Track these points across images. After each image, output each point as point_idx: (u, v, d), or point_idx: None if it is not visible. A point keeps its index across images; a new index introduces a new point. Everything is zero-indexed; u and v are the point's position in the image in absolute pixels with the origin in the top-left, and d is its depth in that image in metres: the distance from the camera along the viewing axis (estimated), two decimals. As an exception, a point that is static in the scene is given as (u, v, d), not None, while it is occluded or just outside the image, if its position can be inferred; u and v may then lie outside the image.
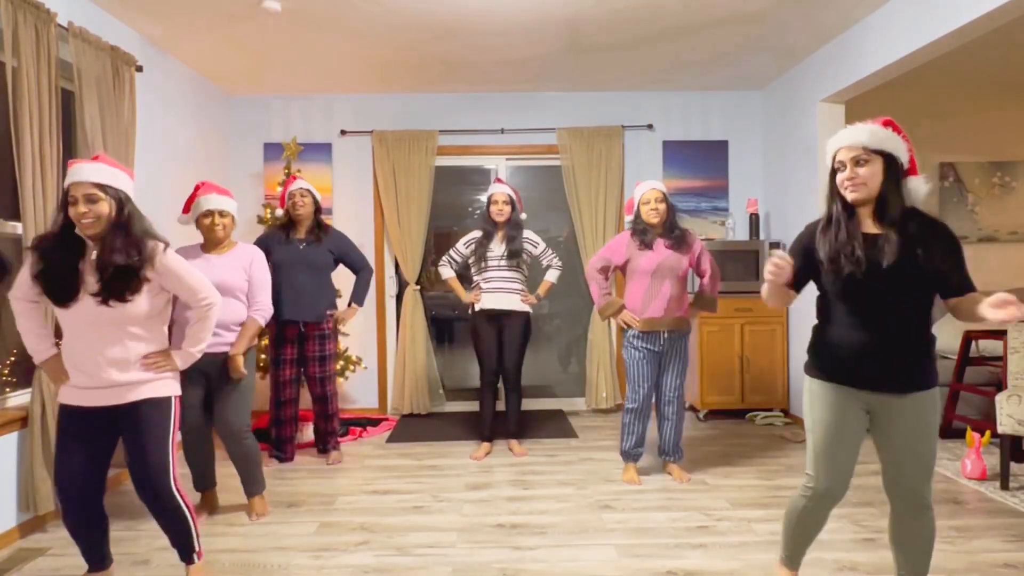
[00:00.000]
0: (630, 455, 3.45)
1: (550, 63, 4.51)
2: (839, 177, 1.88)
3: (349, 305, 3.87)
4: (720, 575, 2.43)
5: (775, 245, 4.78)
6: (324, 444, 3.96)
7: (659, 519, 2.96)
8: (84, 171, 2.02)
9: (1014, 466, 3.58)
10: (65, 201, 2.04)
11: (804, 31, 3.98)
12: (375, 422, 4.81)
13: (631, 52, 4.31)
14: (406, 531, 2.87)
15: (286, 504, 3.22)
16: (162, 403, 2.18)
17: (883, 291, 1.82)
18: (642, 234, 3.30)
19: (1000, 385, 4.05)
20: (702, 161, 5.24)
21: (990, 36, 3.85)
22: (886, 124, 1.86)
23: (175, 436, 2.22)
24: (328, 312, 3.80)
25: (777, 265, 1.82)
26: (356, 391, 5.17)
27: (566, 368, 5.52)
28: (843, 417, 1.92)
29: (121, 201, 2.09)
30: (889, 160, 1.83)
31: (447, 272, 3.98)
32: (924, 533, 1.94)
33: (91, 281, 2.04)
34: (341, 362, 4.64)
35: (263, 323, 2.98)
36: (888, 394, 1.87)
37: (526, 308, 3.90)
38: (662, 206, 3.26)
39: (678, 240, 3.29)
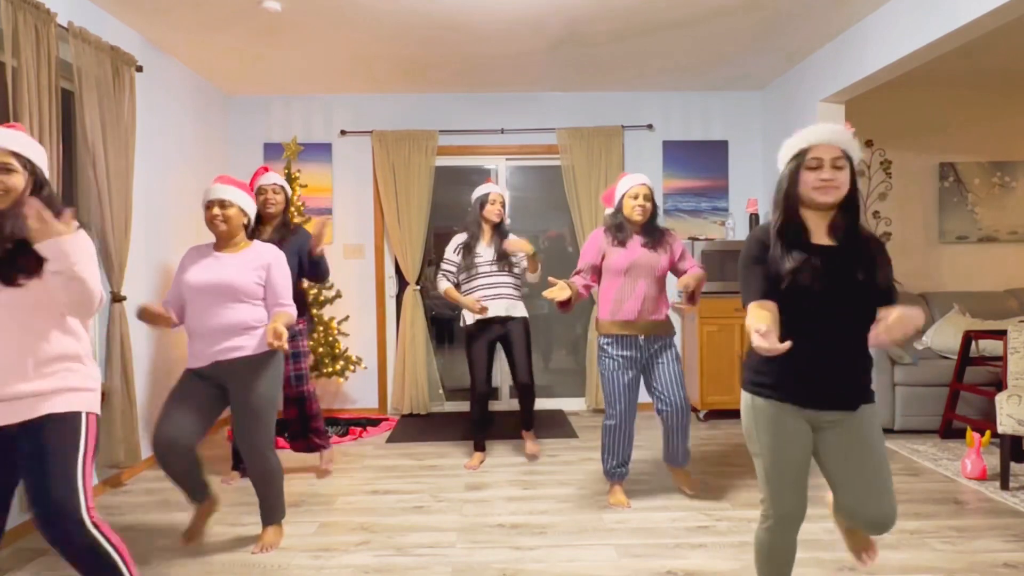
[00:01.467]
0: (614, 475, 3.14)
1: (550, 63, 4.51)
2: (809, 175, 1.73)
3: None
4: (720, 575, 2.43)
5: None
6: (310, 446, 3.69)
7: (659, 519, 2.96)
8: None
9: (1014, 466, 3.58)
10: None
11: (804, 31, 3.98)
12: (375, 422, 4.81)
13: (631, 52, 4.31)
14: (406, 531, 2.87)
15: (286, 504, 3.22)
16: (68, 419, 1.78)
17: (840, 305, 1.71)
18: (618, 230, 3.05)
19: (1000, 385, 4.04)
20: (702, 161, 5.24)
21: (990, 36, 3.85)
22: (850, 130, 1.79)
23: (90, 459, 1.82)
24: (299, 319, 3.51)
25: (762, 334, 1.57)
26: (356, 391, 5.17)
27: (566, 368, 5.52)
28: (791, 435, 1.78)
29: (39, 179, 1.81)
30: (852, 169, 1.76)
31: (445, 285, 3.72)
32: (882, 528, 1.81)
33: None
34: (341, 362, 4.64)
35: (293, 317, 2.63)
36: (833, 411, 1.77)
37: (524, 313, 3.78)
38: (649, 204, 3.03)
39: (655, 240, 3.05)
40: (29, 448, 1.75)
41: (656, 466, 3.68)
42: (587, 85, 5.05)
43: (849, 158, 1.75)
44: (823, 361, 1.74)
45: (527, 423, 3.97)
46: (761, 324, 1.56)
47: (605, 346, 3.06)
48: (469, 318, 3.72)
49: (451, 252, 3.77)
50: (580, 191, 5.04)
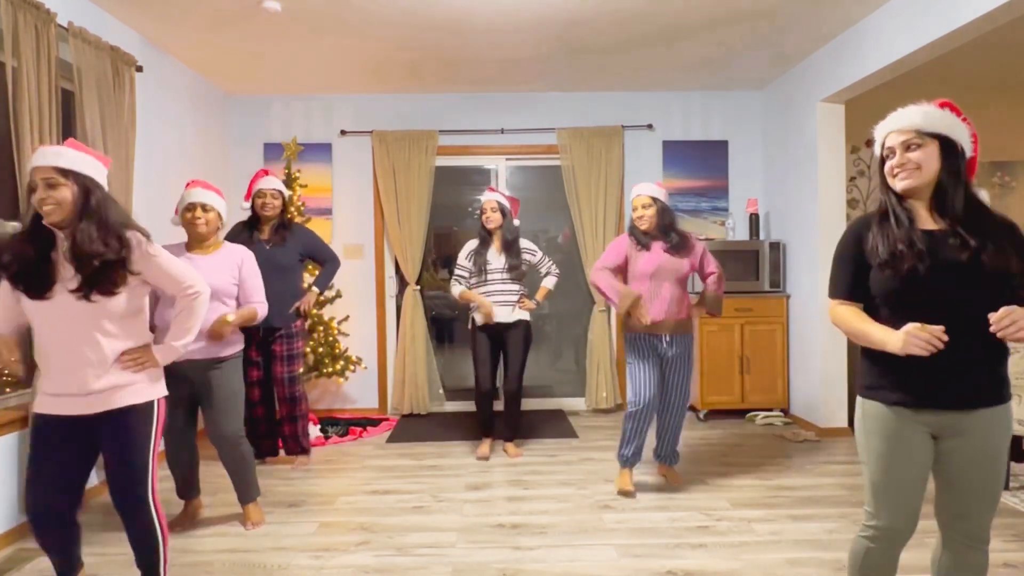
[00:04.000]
0: (628, 461, 3.29)
1: (550, 63, 4.51)
2: (888, 165, 1.67)
3: (309, 288, 3.78)
4: (720, 575, 2.43)
5: (775, 245, 4.78)
6: (294, 447, 3.82)
7: (659, 519, 2.96)
8: (45, 155, 1.89)
9: (1014, 466, 3.58)
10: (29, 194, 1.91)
11: (804, 31, 3.98)
12: (375, 422, 4.81)
13: (631, 52, 4.31)
14: (406, 531, 2.87)
15: (286, 504, 3.22)
16: (145, 409, 2.04)
17: (949, 292, 1.57)
18: (639, 235, 3.23)
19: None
20: (702, 161, 5.24)
21: (989, 36, 3.84)
22: (943, 106, 1.65)
23: (158, 444, 2.09)
24: (296, 319, 3.69)
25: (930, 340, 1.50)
26: (356, 391, 5.17)
27: (566, 368, 5.52)
28: (908, 443, 1.64)
29: (87, 188, 1.92)
30: (946, 145, 1.61)
31: (459, 289, 3.89)
32: (976, 572, 1.66)
33: (67, 274, 1.89)
34: (341, 362, 4.64)
35: (262, 315, 2.89)
36: (956, 412, 1.61)
37: (526, 316, 3.88)
38: (649, 212, 3.17)
39: (677, 244, 3.19)
40: (111, 433, 1.99)
41: (655, 466, 3.68)
42: (587, 85, 5.05)
43: (933, 134, 1.61)
44: (937, 355, 1.53)
45: (510, 434, 4.03)
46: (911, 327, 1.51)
47: (634, 340, 3.22)
48: (478, 319, 3.86)
49: (463, 258, 3.94)
50: (580, 191, 5.04)
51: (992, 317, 1.46)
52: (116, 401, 1.98)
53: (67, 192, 1.88)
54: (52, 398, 1.97)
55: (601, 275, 3.21)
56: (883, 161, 1.70)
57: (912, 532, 1.69)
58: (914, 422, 1.64)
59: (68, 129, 3.26)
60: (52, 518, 2.01)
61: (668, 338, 3.20)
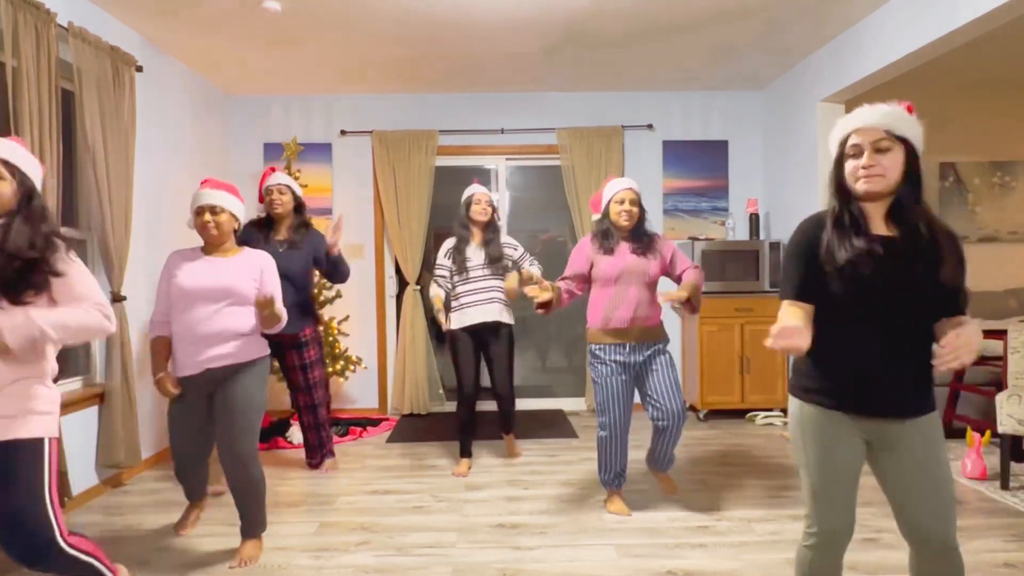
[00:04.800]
0: (610, 483, 3.06)
1: (550, 63, 4.51)
2: (851, 164, 1.59)
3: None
4: (720, 575, 2.43)
5: (775, 245, 4.78)
6: (317, 455, 3.71)
7: (659, 519, 2.96)
8: None
9: (1014, 466, 3.58)
10: None
11: (804, 31, 3.98)
12: (375, 422, 4.81)
13: (631, 51, 4.31)
14: (406, 531, 2.87)
15: (286, 504, 3.22)
16: (32, 446, 1.76)
17: (898, 302, 1.55)
18: (604, 237, 2.97)
19: (1000, 385, 4.05)
20: (702, 161, 5.24)
21: (989, 36, 3.85)
22: (910, 110, 1.60)
23: (54, 480, 1.80)
24: (305, 328, 3.46)
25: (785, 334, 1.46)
26: (356, 391, 5.17)
27: (566, 368, 5.51)
28: (842, 448, 1.64)
29: (29, 189, 1.79)
30: (910, 150, 1.57)
31: (434, 292, 3.66)
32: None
33: None
34: (341, 362, 4.64)
35: (283, 323, 2.54)
36: (891, 420, 1.61)
37: (510, 320, 3.68)
38: (635, 209, 2.94)
39: (645, 246, 2.97)
40: None
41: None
42: (587, 85, 5.05)
43: (902, 138, 1.56)
44: (880, 363, 1.58)
45: (507, 427, 3.91)
46: (791, 321, 1.43)
47: (597, 352, 2.99)
48: (456, 323, 3.63)
49: (442, 257, 3.70)
50: (580, 191, 5.04)
51: (938, 352, 1.43)
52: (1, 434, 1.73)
53: (5, 187, 1.75)
54: None
55: (564, 292, 3.01)
56: (841, 159, 1.62)
57: (851, 534, 1.69)
58: (850, 427, 1.64)
59: (68, 129, 3.27)
60: None
61: (635, 346, 2.94)
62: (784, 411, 4.83)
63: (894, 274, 1.55)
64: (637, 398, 3.10)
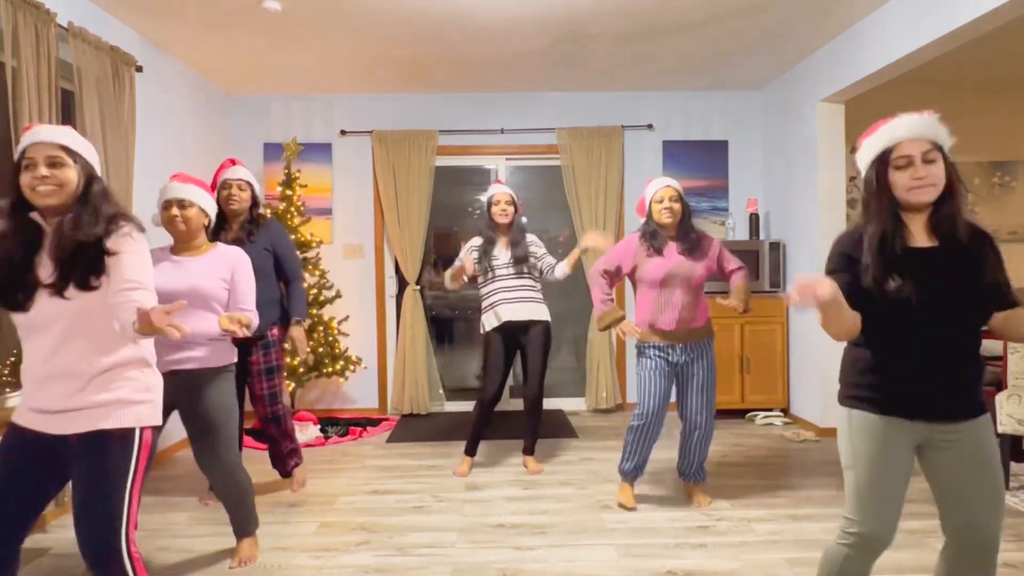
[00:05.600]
0: (629, 475, 3.09)
1: (550, 63, 4.51)
2: (900, 175, 1.58)
3: (293, 323, 3.27)
4: (720, 575, 2.43)
5: (775, 245, 4.78)
6: (285, 468, 3.40)
7: (659, 519, 2.96)
8: (46, 132, 1.67)
9: (1014, 466, 3.58)
10: (16, 175, 1.65)
11: (804, 31, 3.98)
12: (375, 422, 4.81)
13: (631, 51, 4.31)
14: (406, 531, 2.87)
15: (286, 504, 3.22)
16: (125, 436, 1.70)
17: (945, 310, 1.57)
18: (652, 238, 2.96)
19: (1000, 385, 4.04)
20: (702, 161, 5.24)
21: (989, 36, 3.84)
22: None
23: (139, 480, 1.74)
24: (273, 326, 3.22)
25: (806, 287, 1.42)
26: (356, 391, 5.17)
27: (566, 368, 5.51)
28: (893, 451, 1.64)
29: (91, 175, 1.72)
30: (947, 161, 1.59)
31: (451, 271, 3.61)
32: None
33: (46, 272, 1.64)
34: (341, 362, 4.64)
35: (254, 326, 2.25)
36: (943, 423, 1.62)
37: (546, 317, 3.60)
38: (677, 205, 2.93)
39: (693, 245, 2.95)
40: (81, 460, 1.68)
41: (657, 466, 3.68)
42: (587, 85, 5.05)
43: (940, 148, 1.59)
44: (930, 370, 1.60)
45: (530, 447, 3.74)
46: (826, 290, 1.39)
47: (644, 349, 3.01)
48: (487, 324, 3.57)
49: (464, 252, 3.63)
50: (580, 191, 5.04)
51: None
52: (91, 423, 1.67)
53: (72, 174, 1.67)
54: (30, 412, 1.71)
55: (595, 285, 3.05)
56: (884, 168, 1.60)
57: (891, 541, 1.67)
58: (904, 430, 1.64)
59: (68, 129, 3.26)
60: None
61: (681, 347, 2.98)
62: (784, 411, 4.83)
63: (939, 285, 1.56)
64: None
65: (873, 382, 1.66)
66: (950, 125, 1.68)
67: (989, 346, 4.26)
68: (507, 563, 2.55)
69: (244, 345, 3.14)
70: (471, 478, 3.57)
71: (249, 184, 3.19)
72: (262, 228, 3.19)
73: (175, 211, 2.41)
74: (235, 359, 2.55)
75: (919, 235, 1.62)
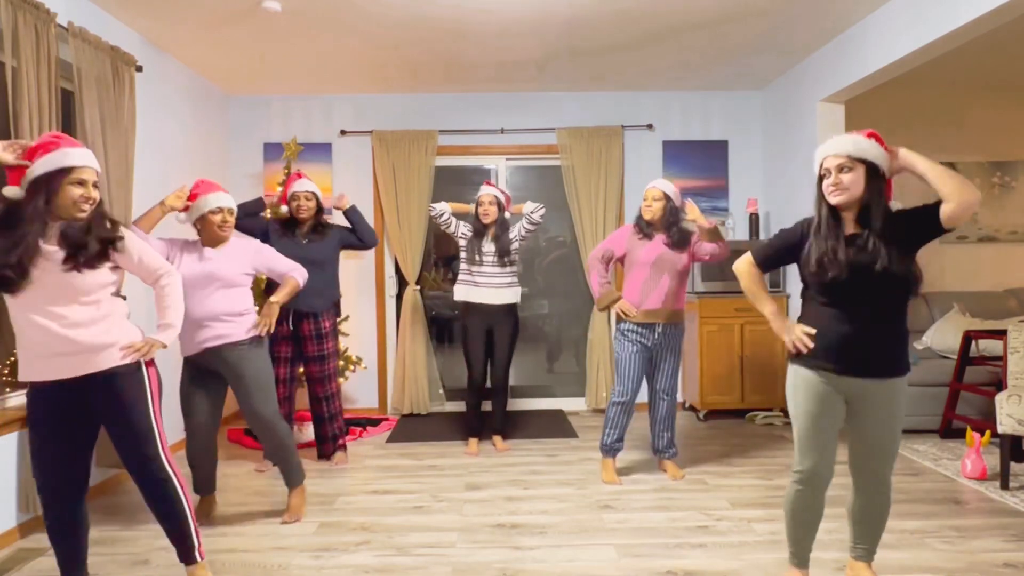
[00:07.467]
0: (611, 449, 3.47)
1: (550, 62, 4.51)
2: (824, 183, 2.03)
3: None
4: (720, 575, 2.43)
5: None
6: (330, 447, 3.87)
7: (659, 519, 2.96)
8: (88, 157, 2.07)
9: (1014, 466, 3.58)
10: (49, 183, 2.00)
11: (804, 31, 3.98)
12: (375, 422, 4.81)
13: (631, 52, 4.31)
14: (406, 531, 2.87)
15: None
16: (132, 371, 2.13)
17: (866, 289, 1.98)
18: (643, 224, 3.42)
19: (1000, 385, 4.04)
20: (702, 161, 5.24)
21: (989, 36, 3.85)
22: (870, 136, 2.01)
23: (158, 406, 2.19)
24: (326, 312, 3.75)
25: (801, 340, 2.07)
26: (356, 391, 5.17)
27: (566, 368, 5.51)
28: (826, 404, 2.07)
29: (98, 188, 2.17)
30: (872, 168, 1.98)
31: (442, 206, 3.97)
32: (880, 510, 2.16)
33: (53, 255, 2.00)
34: (341, 361, 4.63)
35: (303, 280, 2.99)
36: (869, 379, 2.03)
37: (516, 300, 3.98)
38: (657, 204, 3.36)
39: (677, 241, 3.36)
40: (106, 395, 2.10)
41: (650, 465, 3.68)
42: (587, 85, 5.05)
43: (862, 160, 1.97)
44: (858, 334, 2.01)
45: (501, 426, 4.15)
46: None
47: (626, 331, 3.40)
48: (464, 295, 3.95)
49: (462, 224, 4.01)
50: (580, 191, 5.04)
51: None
52: (102, 363, 2.07)
53: (96, 191, 2.10)
54: (40, 360, 2.03)
55: (593, 269, 3.49)
56: (820, 178, 2.05)
57: (831, 476, 2.11)
58: (836, 385, 2.06)
59: (68, 129, 3.26)
60: (59, 497, 2.10)
61: (660, 328, 3.37)
62: (784, 411, 4.83)
63: (860, 263, 1.97)
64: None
65: (815, 344, 2.06)
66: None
67: (990, 346, 4.27)
68: (507, 563, 2.56)
69: (299, 335, 3.72)
70: (471, 478, 3.57)
71: (314, 194, 3.73)
72: (328, 231, 3.77)
73: (227, 217, 2.86)
74: (258, 332, 2.90)
75: (849, 226, 2.04)
